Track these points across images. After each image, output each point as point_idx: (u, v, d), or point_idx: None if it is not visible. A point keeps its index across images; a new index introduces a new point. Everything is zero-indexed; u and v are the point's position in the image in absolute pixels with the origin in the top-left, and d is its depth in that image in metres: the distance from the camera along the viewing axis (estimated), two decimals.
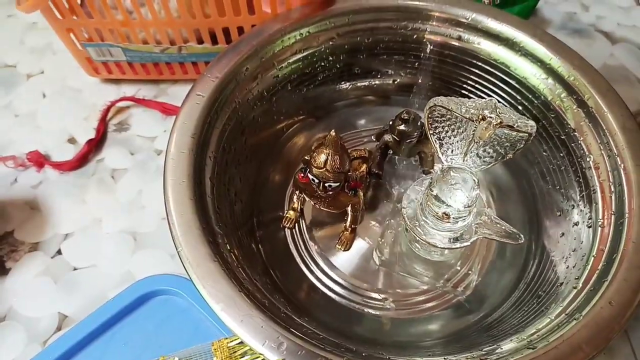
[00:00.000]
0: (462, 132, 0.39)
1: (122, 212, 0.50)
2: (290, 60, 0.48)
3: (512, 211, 0.47)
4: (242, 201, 0.46)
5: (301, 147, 0.53)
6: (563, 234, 0.42)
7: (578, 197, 0.41)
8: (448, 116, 0.38)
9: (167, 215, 0.36)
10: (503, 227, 0.41)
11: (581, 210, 0.41)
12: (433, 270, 0.46)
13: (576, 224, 0.41)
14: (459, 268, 0.46)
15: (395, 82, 0.53)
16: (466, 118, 0.34)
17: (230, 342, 0.34)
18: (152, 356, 0.33)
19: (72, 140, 0.55)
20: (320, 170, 0.39)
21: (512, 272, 0.45)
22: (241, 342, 0.33)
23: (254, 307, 0.33)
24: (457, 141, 0.40)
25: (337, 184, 0.40)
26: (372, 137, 0.51)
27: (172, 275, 0.40)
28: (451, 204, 0.38)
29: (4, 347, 0.43)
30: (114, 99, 0.56)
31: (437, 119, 0.39)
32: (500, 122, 0.33)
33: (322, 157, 0.39)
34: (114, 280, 0.46)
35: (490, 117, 0.33)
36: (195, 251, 0.35)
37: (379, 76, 0.53)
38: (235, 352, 0.33)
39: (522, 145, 0.37)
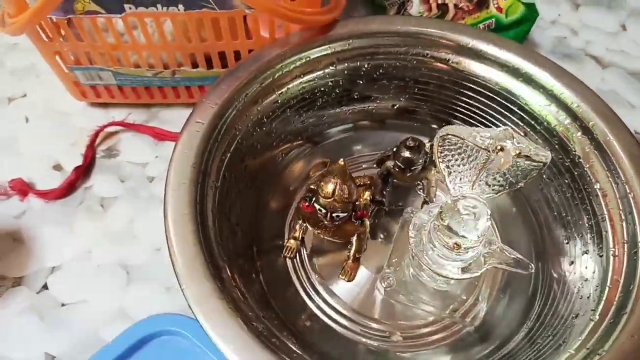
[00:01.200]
0: (472, 160, 0.38)
1: (112, 243, 0.47)
2: (290, 86, 0.47)
3: (517, 239, 0.47)
4: (242, 230, 0.44)
5: (299, 173, 0.51)
6: (572, 262, 0.41)
7: (586, 225, 0.41)
8: (459, 145, 0.37)
9: (169, 251, 0.34)
10: (512, 256, 0.40)
11: (590, 239, 0.40)
12: (439, 299, 0.45)
13: (586, 252, 0.40)
14: (464, 297, 0.45)
15: (394, 107, 0.52)
16: (482, 148, 0.33)
17: None
18: None
19: (57, 167, 0.52)
20: (328, 200, 0.38)
21: (520, 302, 0.44)
22: None
23: (265, 349, 0.31)
24: (467, 170, 0.39)
25: (345, 214, 0.39)
26: (374, 163, 0.50)
27: (174, 314, 0.38)
28: (463, 234, 0.37)
29: None
30: (103, 124, 0.54)
31: (447, 147, 0.38)
32: (519, 153, 0.32)
33: (330, 187, 0.38)
34: (106, 317, 0.43)
35: (509, 148, 0.32)
36: (200, 289, 0.33)
37: (377, 101, 0.52)
38: None
39: (534, 174, 0.37)
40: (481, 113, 0.49)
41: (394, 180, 0.47)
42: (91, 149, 0.53)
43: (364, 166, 0.53)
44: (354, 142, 0.54)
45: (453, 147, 0.38)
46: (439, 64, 0.48)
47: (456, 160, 0.39)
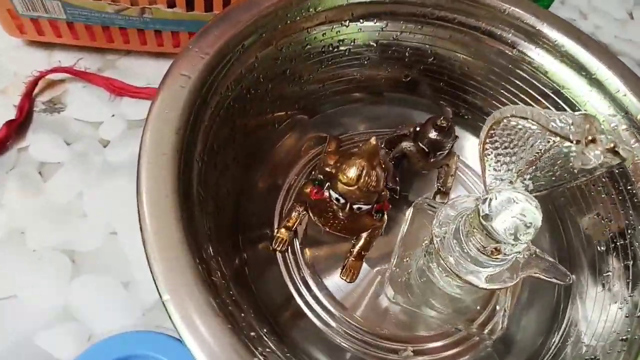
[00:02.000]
0: (527, 149, 0.31)
1: (54, 222, 0.37)
2: (295, 40, 0.38)
3: (540, 244, 0.41)
4: (226, 215, 0.35)
5: (291, 148, 0.43)
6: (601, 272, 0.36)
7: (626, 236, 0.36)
8: (517, 129, 0.30)
9: (145, 248, 0.25)
10: (551, 264, 0.35)
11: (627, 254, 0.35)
12: (453, 307, 0.38)
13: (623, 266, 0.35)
14: (479, 307, 0.39)
15: (407, 80, 0.45)
16: (566, 139, 0.26)
17: None
18: None
19: None
20: (350, 188, 0.30)
21: (544, 312, 0.39)
22: None
23: None
24: (514, 161, 0.32)
25: (368, 206, 0.31)
26: (381, 144, 0.43)
27: (147, 332, 0.29)
28: (509, 239, 0.30)
29: None
30: (44, 69, 0.42)
31: (500, 132, 0.31)
32: (613, 147, 0.25)
33: (354, 172, 0.30)
34: (45, 318, 0.34)
35: (602, 139, 0.25)
36: (191, 301, 0.24)
37: (387, 70, 0.44)
38: None
39: (598, 172, 0.31)
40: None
41: (410, 166, 0.40)
42: (28, 99, 0.41)
43: (361, 145, 0.45)
44: (350, 116, 0.47)
45: (508, 133, 0.31)
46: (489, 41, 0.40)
47: (506, 148, 0.32)
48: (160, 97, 0.30)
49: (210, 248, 0.29)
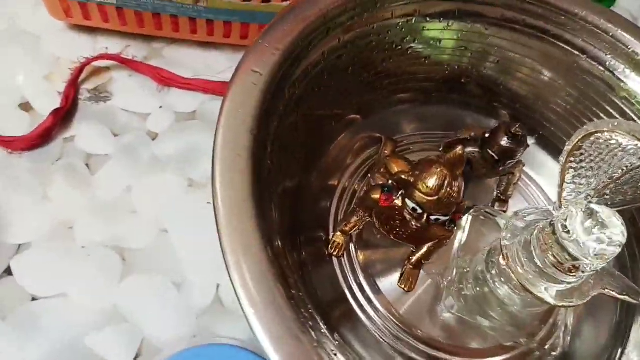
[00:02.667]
0: (614, 164, 0.30)
1: (103, 218, 0.36)
2: (360, 36, 0.36)
3: None
4: (286, 216, 0.34)
5: (343, 148, 0.41)
6: None
7: None
8: (608, 143, 0.29)
9: (224, 257, 0.24)
10: (623, 282, 0.33)
11: None
12: (509, 320, 0.37)
13: None
14: (537, 322, 0.38)
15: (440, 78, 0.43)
16: None
17: None
18: None
19: (25, 107, 0.39)
20: (430, 199, 0.28)
21: (605, 329, 0.37)
22: None
23: None
24: (596, 175, 0.31)
25: (446, 217, 0.29)
26: (438, 146, 0.41)
27: (222, 345, 0.27)
28: (591, 257, 0.29)
29: None
30: (90, 55, 0.41)
31: (589, 145, 0.30)
32: None
33: (436, 181, 0.28)
34: (95, 319, 0.32)
35: None
36: (278, 324, 0.23)
37: (447, 71, 0.42)
38: None
39: None
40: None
41: (473, 173, 0.38)
42: (73, 86, 0.40)
43: (411, 148, 0.44)
44: (399, 117, 0.45)
45: (597, 147, 0.29)
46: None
47: (591, 161, 0.30)
48: (231, 94, 0.28)
49: (287, 253, 0.27)
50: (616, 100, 0.39)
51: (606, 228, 0.29)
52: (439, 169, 0.28)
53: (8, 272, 0.33)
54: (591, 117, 0.40)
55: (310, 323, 0.25)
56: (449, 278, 0.37)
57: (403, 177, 0.30)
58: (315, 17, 0.33)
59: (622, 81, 0.38)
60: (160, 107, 0.41)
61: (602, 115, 0.39)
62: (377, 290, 0.36)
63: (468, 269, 0.37)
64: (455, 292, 0.37)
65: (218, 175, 0.26)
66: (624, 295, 0.33)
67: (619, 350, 0.36)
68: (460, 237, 0.38)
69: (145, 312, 0.33)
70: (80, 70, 0.40)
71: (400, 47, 0.39)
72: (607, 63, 0.38)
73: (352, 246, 0.37)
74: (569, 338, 0.37)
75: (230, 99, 0.28)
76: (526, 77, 0.42)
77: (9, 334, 0.31)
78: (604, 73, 0.38)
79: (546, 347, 0.36)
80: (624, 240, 0.29)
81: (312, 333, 0.24)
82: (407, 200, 0.29)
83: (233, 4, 0.39)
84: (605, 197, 0.31)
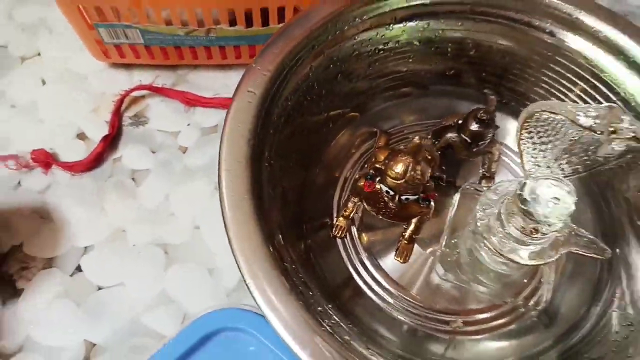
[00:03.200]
0: (560, 138, 0.34)
1: (148, 221, 0.44)
2: (344, 47, 0.42)
3: (583, 221, 0.43)
4: (292, 208, 0.41)
5: (344, 144, 0.47)
6: None
7: None
8: (549, 121, 0.34)
9: (229, 242, 0.31)
10: (590, 240, 0.37)
11: None
12: (499, 282, 0.42)
13: None
14: (525, 281, 0.42)
15: (435, 71, 0.48)
16: (592, 131, 0.29)
17: None
18: None
19: (81, 136, 0.48)
20: (398, 182, 0.34)
21: (588, 283, 0.41)
22: None
23: (342, 348, 0.29)
24: (550, 147, 0.36)
25: (415, 196, 0.35)
26: (422, 132, 0.46)
27: (234, 309, 0.35)
28: (546, 220, 0.34)
29: None
30: (127, 87, 0.49)
31: (534, 124, 0.34)
32: (635, 137, 0.28)
33: (401, 167, 0.34)
34: (147, 301, 0.40)
35: (623, 130, 0.28)
36: (269, 286, 0.29)
37: (431, 64, 0.47)
38: None
39: (629, 157, 0.33)
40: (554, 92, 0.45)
41: (456, 155, 0.43)
42: (117, 115, 0.48)
43: (410, 137, 0.49)
44: (398, 110, 0.50)
45: (542, 124, 0.34)
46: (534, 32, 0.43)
47: (540, 137, 0.35)
48: (231, 112, 0.35)
49: (281, 237, 0.34)
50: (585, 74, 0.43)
51: (555, 196, 0.34)
52: (403, 157, 0.34)
53: (79, 269, 0.41)
54: (568, 92, 0.44)
55: (305, 291, 0.32)
56: (442, 250, 0.42)
57: (377, 166, 0.36)
58: (301, 38, 0.39)
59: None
60: (188, 124, 0.49)
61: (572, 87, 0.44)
62: (377, 266, 0.42)
63: (456, 240, 0.42)
64: (449, 262, 0.42)
65: (224, 179, 0.33)
66: (590, 252, 0.37)
67: (600, 300, 0.40)
68: (450, 213, 0.44)
69: (186, 293, 0.41)
70: (121, 101, 0.49)
71: (382, 52, 0.44)
72: (572, 41, 0.42)
73: (354, 230, 0.43)
74: (550, 295, 0.41)
75: (232, 116, 0.35)
76: (502, 63, 0.46)
77: (82, 316, 0.40)
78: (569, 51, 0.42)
79: (530, 303, 0.41)
80: (571, 207, 0.33)
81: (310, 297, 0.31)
82: (381, 185, 0.35)
83: (238, 31, 0.46)
84: (564, 165, 0.36)
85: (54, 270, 0.41)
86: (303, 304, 0.30)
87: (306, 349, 0.28)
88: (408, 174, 0.34)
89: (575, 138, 0.33)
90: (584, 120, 0.30)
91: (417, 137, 0.34)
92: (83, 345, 0.39)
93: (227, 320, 0.33)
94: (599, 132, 0.29)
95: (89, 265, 0.42)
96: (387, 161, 0.35)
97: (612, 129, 0.28)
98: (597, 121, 0.29)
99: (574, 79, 0.43)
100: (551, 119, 0.33)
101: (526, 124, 0.34)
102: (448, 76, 0.48)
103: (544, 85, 0.45)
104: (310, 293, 0.32)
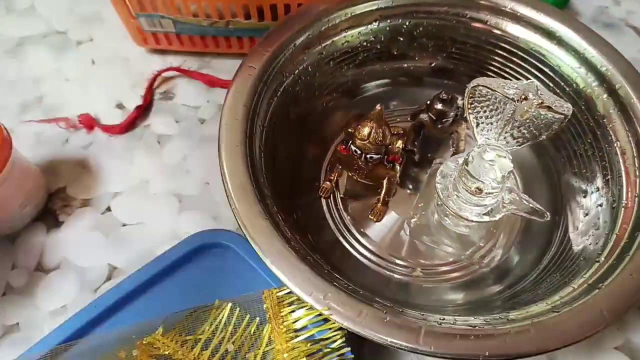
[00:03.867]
0: (500, 112, 0.41)
1: (167, 175, 0.53)
2: (335, 39, 0.50)
3: (537, 191, 0.50)
4: (283, 172, 0.49)
5: (337, 124, 0.55)
6: (587, 213, 0.44)
7: (603, 181, 0.44)
8: (488, 96, 0.40)
9: (222, 175, 0.39)
10: (530, 205, 0.43)
11: (606, 193, 0.43)
12: (459, 243, 0.49)
13: (600, 205, 0.43)
14: (482, 244, 0.49)
15: (431, 65, 0.55)
16: (508, 97, 0.36)
17: (280, 292, 0.37)
18: (207, 302, 0.37)
19: (120, 106, 0.58)
20: (363, 142, 0.42)
21: (535, 249, 0.47)
22: (289, 293, 0.36)
23: (301, 262, 0.36)
24: (494, 121, 0.42)
25: (378, 156, 0.43)
26: (408, 117, 0.54)
27: (224, 230, 0.43)
28: (485, 179, 0.41)
29: (60, 293, 0.46)
30: (161, 69, 0.59)
31: (477, 98, 0.41)
32: (541, 103, 0.35)
33: (366, 130, 0.42)
34: (161, 237, 0.49)
35: (532, 97, 0.35)
36: (248, 209, 0.38)
37: (415, 59, 0.55)
38: (284, 301, 0.36)
39: (556, 127, 0.40)
40: (514, 74, 0.51)
41: (427, 133, 0.50)
42: (150, 91, 0.58)
43: (398, 120, 0.56)
44: (390, 97, 0.58)
45: (482, 99, 0.41)
46: (477, 25, 0.50)
47: (484, 111, 0.42)
48: (234, 82, 0.44)
49: (266, 182, 0.42)
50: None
51: (491, 159, 0.40)
52: (368, 122, 0.42)
53: (109, 209, 0.51)
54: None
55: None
56: (414, 216, 0.49)
57: (349, 130, 0.44)
58: (298, 28, 0.48)
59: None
60: (208, 101, 0.58)
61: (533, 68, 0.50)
62: (361, 230, 0.49)
63: (425, 209, 0.49)
64: (420, 226, 0.49)
65: (223, 129, 0.41)
66: (531, 215, 0.44)
67: (541, 266, 0.46)
68: (423, 185, 0.51)
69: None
70: (154, 79, 0.58)
71: (370, 44, 0.52)
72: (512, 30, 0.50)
73: (339, 199, 0.50)
74: (501, 254, 0.47)
75: (234, 85, 0.44)
76: (474, 57, 0.53)
77: (109, 246, 0.49)
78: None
79: (484, 261, 0.48)
80: (506, 167, 0.40)
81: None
82: (351, 147, 0.43)
83: (252, 23, 0.55)
84: (508, 137, 0.43)
85: (89, 209, 0.51)
86: (274, 229, 0.38)
87: (270, 257, 0.36)
88: (372, 136, 0.41)
89: (512, 112, 0.40)
90: (507, 92, 0.37)
91: (378, 105, 0.41)
92: (107, 267, 0.48)
93: (214, 237, 0.41)
94: (516, 100, 0.36)
95: (117, 207, 0.51)
96: (356, 126, 0.43)
97: (524, 96, 0.35)
98: (515, 91, 0.36)
99: (519, 61, 0.51)
100: (490, 94, 0.40)
101: (471, 99, 0.41)
102: (431, 69, 0.56)
103: (515, 75, 0.52)
104: (284, 223, 0.40)
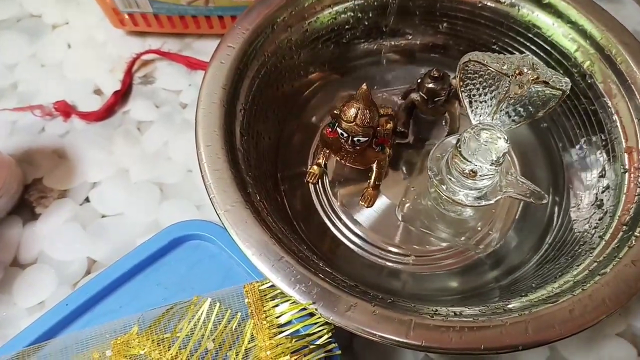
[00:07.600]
0: (494, 89, 0.39)
1: (148, 163, 0.50)
2: (320, 15, 0.47)
3: (537, 172, 0.48)
4: (268, 156, 0.46)
5: (324, 105, 0.52)
6: (588, 196, 0.42)
7: (605, 160, 0.41)
8: (481, 72, 0.38)
9: (199, 165, 0.37)
10: (528, 187, 0.41)
11: (608, 172, 0.41)
12: (454, 228, 0.46)
13: (606, 187, 0.41)
14: (479, 228, 0.47)
15: (422, 43, 0.52)
16: (502, 73, 0.34)
17: (262, 285, 0.35)
18: (186, 297, 0.35)
19: (98, 92, 0.55)
20: (350, 125, 0.39)
21: (534, 234, 0.45)
22: (272, 286, 0.34)
23: (285, 253, 0.34)
24: (488, 99, 0.40)
25: (366, 138, 0.40)
26: (399, 96, 0.51)
27: (203, 221, 0.41)
28: (479, 161, 0.38)
29: (37, 288, 0.44)
30: (140, 52, 0.56)
31: (469, 74, 0.39)
32: (537, 78, 0.33)
33: (352, 111, 0.39)
34: (141, 229, 0.47)
35: (527, 72, 0.33)
36: (227, 198, 0.35)
37: (406, 36, 0.52)
38: (266, 295, 0.34)
39: (554, 104, 0.37)
40: (510, 48, 0.49)
41: (419, 113, 0.48)
42: (129, 75, 0.55)
43: (389, 99, 0.53)
44: (381, 75, 0.55)
45: (475, 75, 0.38)
46: None
47: (478, 89, 0.39)
48: (212, 63, 0.42)
49: (248, 170, 0.40)
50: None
51: (485, 141, 0.38)
52: (354, 103, 0.39)
53: (87, 199, 0.49)
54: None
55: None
56: (406, 201, 0.47)
57: (335, 112, 0.41)
58: (279, 4, 0.45)
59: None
60: (189, 85, 0.55)
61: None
62: (350, 216, 0.47)
63: (418, 193, 0.47)
64: (412, 211, 0.47)
65: (200, 114, 0.39)
66: (528, 198, 0.41)
67: (539, 254, 0.44)
68: (415, 168, 0.49)
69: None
70: (132, 63, 0.56)
71: (357, 22, 0.50)
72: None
73: (327, 184, 0.48)
74: (498, 239, 0.45)
75: (212, 66, 0.41)
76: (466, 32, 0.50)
77: (87, 238, 0.47)
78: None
79: (480, 246, 0.45)
80: (501, 149, 0.38)
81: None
82: (338, 129, 0.41)
83: (233, 2, 0.52)
84: (504, 117, 0.40)
85: (66, 200, 0.48)
86: (256, 218, 0.35)
87: (251, 248, 0.34)
88: (358, 117, 0.39)
89: (507, 89, 0.38)
90: (500, 66, 0.34)
91: (364, 84, 0.39)
92: (86, 261, 0.45)
93: (192, 229, 0.39)
94: (510, 75, 0.34)
95: (96, 197, 0.49)
96: (342, 107, 0.40)
97: (518, 71, 0.33)
98: (509, 66, 0.34)
99: (517, 37, 0.48)
100: (483, 70, 0.38)
101: (462, 76, 0.39)
102: (431, 47, 0.53)
103: (510, 50, 0.49)
104: (267, 212, 0.38)
